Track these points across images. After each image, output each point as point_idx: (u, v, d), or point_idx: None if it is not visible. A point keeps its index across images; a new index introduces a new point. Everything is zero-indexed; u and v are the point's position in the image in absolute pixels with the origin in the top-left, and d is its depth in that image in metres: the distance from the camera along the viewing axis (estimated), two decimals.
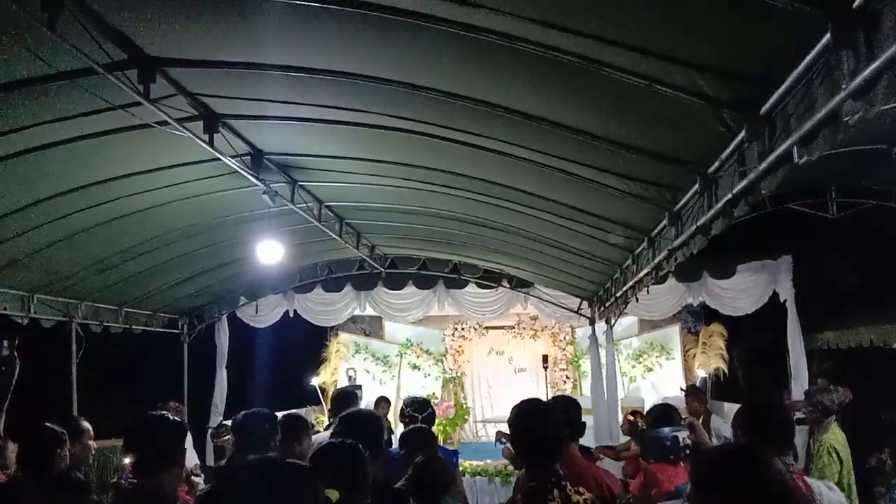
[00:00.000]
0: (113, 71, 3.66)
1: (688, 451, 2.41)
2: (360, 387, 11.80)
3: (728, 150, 3.62)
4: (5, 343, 4.02)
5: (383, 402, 8.40)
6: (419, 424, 4.82)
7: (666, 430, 2.52)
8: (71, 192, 5.54)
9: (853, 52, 2.29)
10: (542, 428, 2.95)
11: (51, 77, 3.83)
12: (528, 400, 3.21)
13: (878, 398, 7.98)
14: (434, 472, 3.79)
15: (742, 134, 3.32)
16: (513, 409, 3.15)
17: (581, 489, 2.80)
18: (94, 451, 4.88)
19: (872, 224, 8.67)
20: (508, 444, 6.05)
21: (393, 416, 9.66)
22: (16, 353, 3.97)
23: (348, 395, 5.50)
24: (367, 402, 8.95)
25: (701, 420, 6.10)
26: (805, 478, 2.72)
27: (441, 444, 6.06)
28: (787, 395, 9.32)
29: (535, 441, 2.94)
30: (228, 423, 5.11)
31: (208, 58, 4.02)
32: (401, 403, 8.39)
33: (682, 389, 10.51)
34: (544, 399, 4.89)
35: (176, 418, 3.16)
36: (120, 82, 3.73)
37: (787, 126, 2.90)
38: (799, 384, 9.13)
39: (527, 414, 3.05)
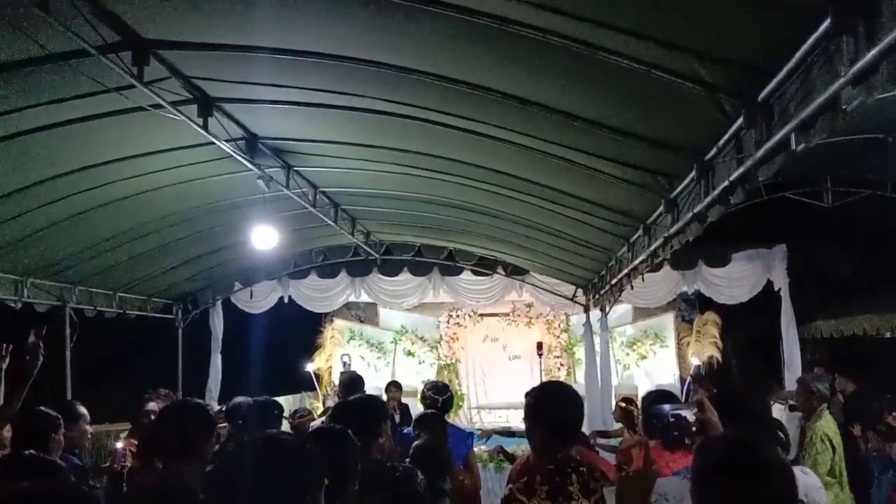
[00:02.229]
0: (106, 53, 3.63)
1: (693, 429, 2.39)
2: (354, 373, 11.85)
3: (725, 137, 3.61)
4: (32, 331, 4.00)
5: (393, 386, 8.46)
6: (429, 410, 5.00)
7: (666, 406, 2.51)
8: (64, 175, 5.50)
9: (853, 38, 2.27)
10: (570, 411, 2.93)
11: (43, 59, 3.79)
12: (552, 382, 3.20)
13: (870, 386, 8.01)
14: (434, 456, 3.83)
15: (740, 121, 3.30)
16: (534, 390, 3.12)
17: (596, 475, 2.80)
18: (90, 436, 4.88)
19: (867, 214, 8.69)
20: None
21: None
22: (41, 343, 3.94)
23: (357, 381, 5.81)
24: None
25: None
26: None
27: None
28: (780, 384, 9.37)
29: (559, 424, 2.91)
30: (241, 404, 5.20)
31: (203, 40, 3.98)
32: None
33: (691, 376, 10.57)
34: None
35: (209, 407, 3.11)
36: (113, 64, 3.69)
37: (785, 113, 2.88)
38: (792, 372, 9.17)
39: (551, 396, 3.02)
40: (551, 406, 2.96)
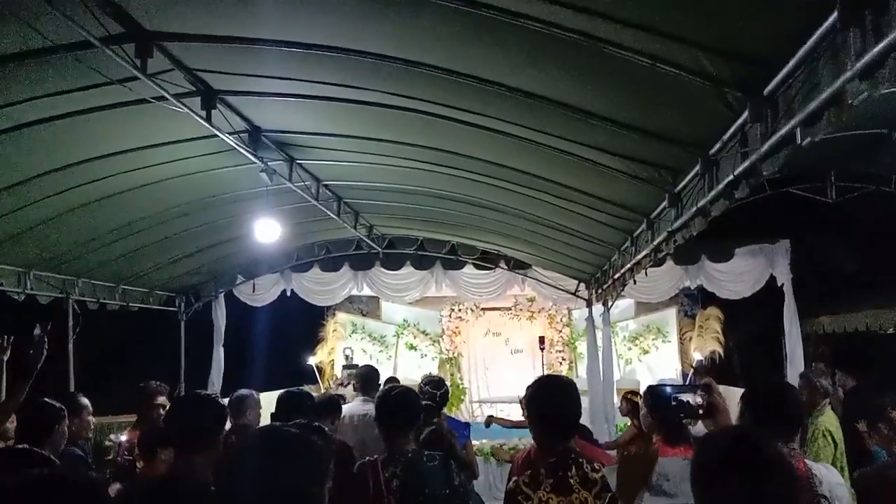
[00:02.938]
0: (110, 45, 3.62)
1: (700, 412, 2.41)
2: (357, 366, 11.86)
3: (730, 132, 3.59)
4: (38, 326, 4.03)
5: (391, 381, 8.51)
6: (425, 402, 5.04)
7: (668, 388, 2.54)
8: (68, 167, 5.50)
9: (860, 32, 2.26)
10: (568, 404, 2.97)
11: (47, 50, 3.78)
12: (549, 376, 3.26)
13: (871, 382, 8.01)
14: (441, 444, 3.96)
15: (745, 115, 3.28)
16: (534, 384, 3.16)
17: (596, 465, 2.84)
18: (92, 427, 4.89)
19: (870, 209, 8.67)
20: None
21: None
22: (45, 339, 3.96)
23: (375, 374, 6.07)
24: None
25: None
26: (805, 461, 2.72)
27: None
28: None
29: (558, 417, 2.95)
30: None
31: (206, 32, 3.97)
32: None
33: (693, 368, 10.59)
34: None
35: (218, 399, 3.15)
36: (117, 56, 3.68)
37: (790, 107, 2.87)
38: (794, 368, 9.16)
39: (549, 390, 3.05)
40: (550, 400, 3.00)
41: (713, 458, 1.86)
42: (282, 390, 4.60)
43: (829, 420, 5.29)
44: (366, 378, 5.91)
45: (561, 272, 10.42)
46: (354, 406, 5.58)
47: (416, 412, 3.63)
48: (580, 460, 2.85)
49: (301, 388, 4.65)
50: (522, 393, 3.15)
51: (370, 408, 4.81)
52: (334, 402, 5.01)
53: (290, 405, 4.41)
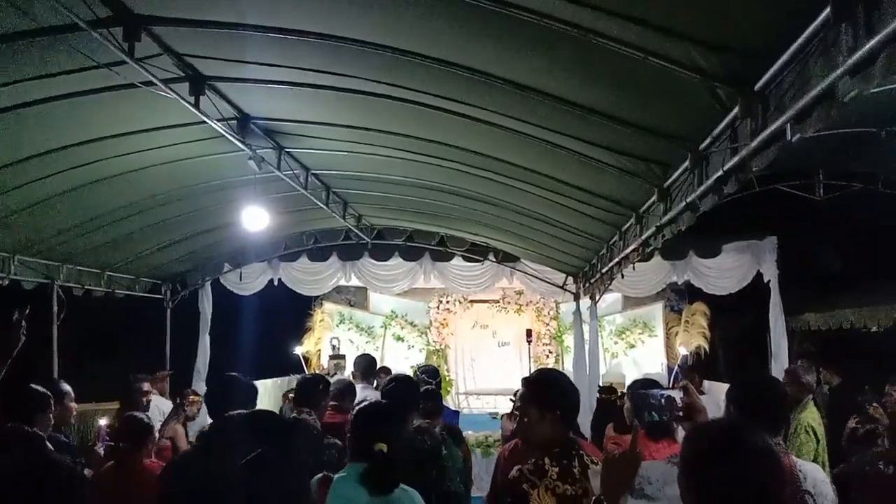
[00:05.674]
0: (97, 28, 3.58)
1: (680, 414, 2.44)
2: (343, 356, 11.85)
3: (720, 127, 3.60)
4: (16, 310, 3.98)
5: (382, 372, 8.54)
6: (430, 387, 5.32)
7: (655, 391, 2.55)
8: (53, 151, 5.44)
9: (852, 27, 2.26)
10: (576, 396, 3.03)
11: (33, 32, 3.74)
12: (554, 370, 3.36)
13: (855, 379, 8.08)
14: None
15: (735, 110, 3.28)
16: (540, 377, 3.23)
17: (595, 459, 2.87)
18: (75, 414, 4.86)
19: (859, 207, 8.72)
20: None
21: None
22: (24, 323, 3.91)
23: (374, 363, 6.79)
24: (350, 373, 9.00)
25: None
26: (791, 457, 2.73)
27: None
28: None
29: (570, 408, 3.00)
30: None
31: (195, 17, 3.93)
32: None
33: (678, 366, 10.64)
34: (527, 373, 5.05)
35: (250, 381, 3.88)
36: (104, 40, 3.64)
37: (781, 103, 2.87)
38: (779, 364, 9.21)
39: (560, 382, 3.09)
40: (565, 392, 3.03)
41: (702, 449, 1.87)
42: (267, 380, 4.67)
43: (811, 415, 5.33)
44: (366, 367, 6.54)
45: (549, 265, 10.43)
46: (357, 393, 5.90)
47: (414, 396, 3.94)
48: (581, 452, 2.91)
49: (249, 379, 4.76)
50: (509, 385, 3.18)
51: (368, 393, 5.72)
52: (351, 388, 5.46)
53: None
